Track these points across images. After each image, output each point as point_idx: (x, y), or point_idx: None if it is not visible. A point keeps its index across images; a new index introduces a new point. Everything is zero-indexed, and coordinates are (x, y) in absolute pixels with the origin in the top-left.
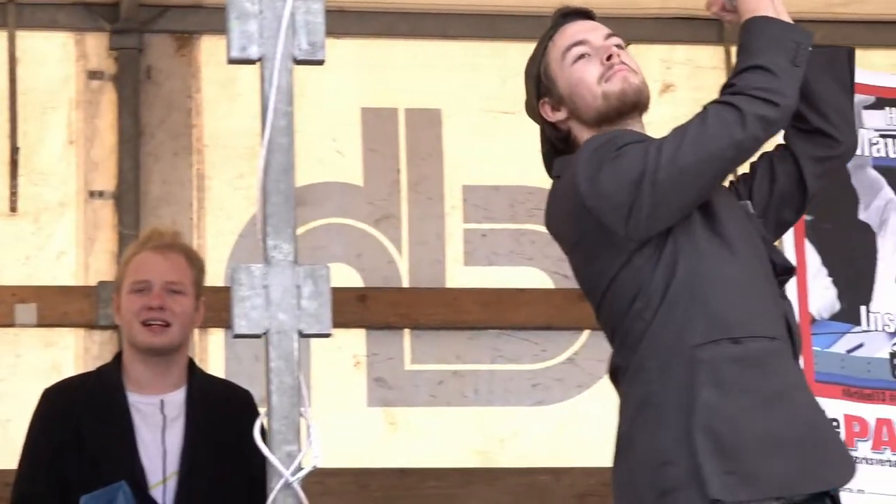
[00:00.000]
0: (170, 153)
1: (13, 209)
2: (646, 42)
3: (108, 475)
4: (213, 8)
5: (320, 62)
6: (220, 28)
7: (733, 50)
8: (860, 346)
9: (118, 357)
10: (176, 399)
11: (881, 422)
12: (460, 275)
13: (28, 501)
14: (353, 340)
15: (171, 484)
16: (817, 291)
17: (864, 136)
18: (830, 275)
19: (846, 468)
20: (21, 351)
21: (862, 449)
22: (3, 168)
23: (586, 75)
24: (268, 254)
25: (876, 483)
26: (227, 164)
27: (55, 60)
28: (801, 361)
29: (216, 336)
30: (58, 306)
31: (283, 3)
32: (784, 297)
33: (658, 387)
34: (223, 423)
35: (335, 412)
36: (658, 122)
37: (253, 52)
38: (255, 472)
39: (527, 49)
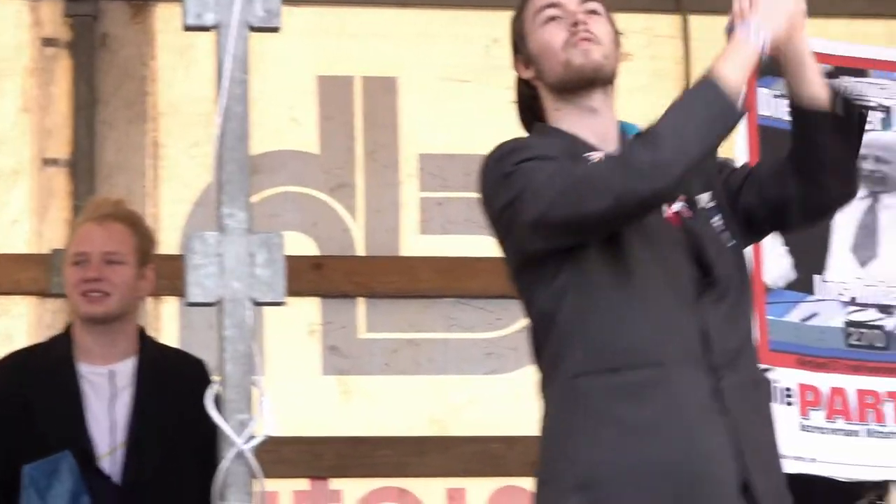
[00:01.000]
0: (125, 121)
1: None
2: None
3: (57, 446)
4: None
5: (276, 29)
6: None
7: (691, 18)
8: (814, 315)
9: (69, 328)
10: (125, 369)
11: (835, 391)
12: (416, 243)
13: None
14: (308, 309)
15: (119, 455)
16: (772, 260)
17: None
18: (786, 244)
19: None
20: None
21: (815, 418)
22: None
23: (553, 39)
24: (222, 222)
25: (829, 452)
26: (182, 132)
27: (9, 27)
28: (756, 332)
29: (170, 304)
30: (11, 274)
31: None
32: (717, 304)
33: (546, 409)
34: (174, 392)
35: (289, 381)
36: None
37: (208, 18)
38: (208, 441)
39: (483, 17)
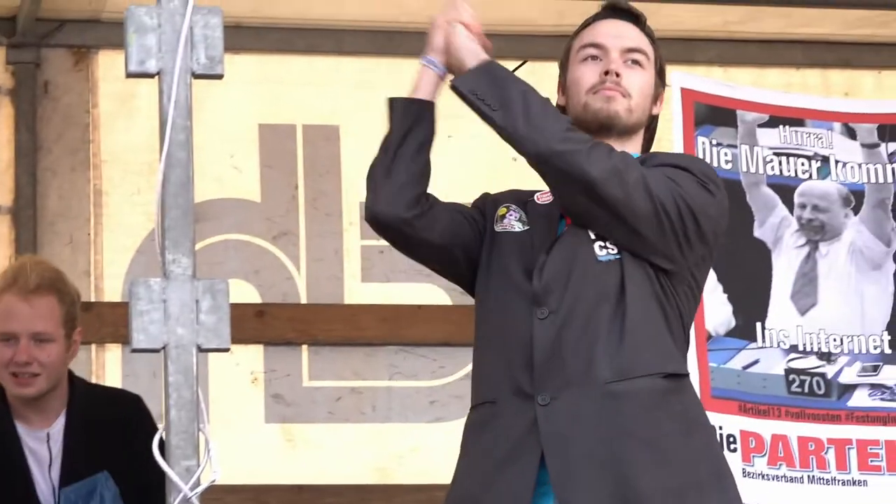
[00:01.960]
0: (67, 168)
1: None
2: (542, 59)
3: None
4: (111, 23)
5: (219, 76)
6: (119, 42)
7: None
8: (756, 362)
9: (2, 389)
10: (58, 429)
11: (776, 437)
12: (358, 291)
13: None
14: (252, 356)
15: None
16: (713, 307)
17: (758, 154)
18: (726, 291)
19: None
20: None
21: (758, 464)
22: None
23: (583, 79)
24: (166, 268)
25: (771, 499)
26: (124, 180)
27: None
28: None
29: (113, 352)
30: None
31: (181, 18)
32: (550, 320)
33: None
34: (108, 439)
35: (233, 428)
36: None
37: (151, 65)
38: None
39: None
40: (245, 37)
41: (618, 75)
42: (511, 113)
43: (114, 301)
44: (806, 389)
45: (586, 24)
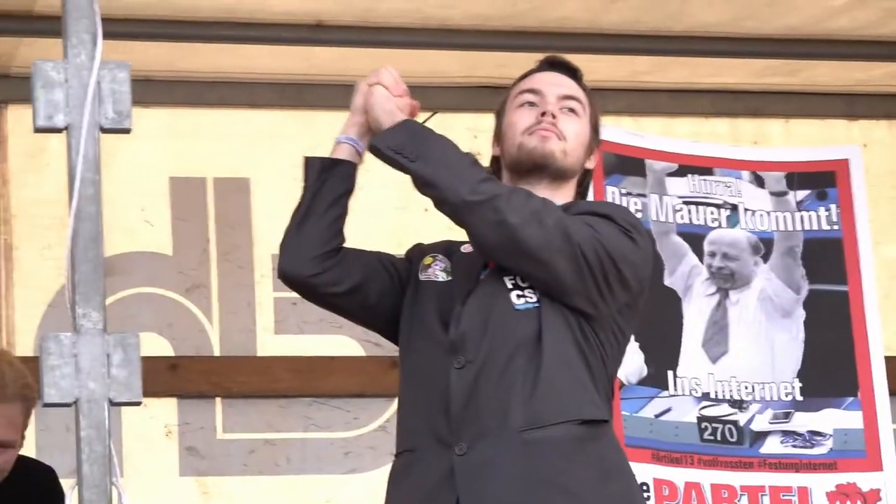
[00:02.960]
0: None
1: None
2: (452, 110)
3: None
4: (19, 78)
5: (127, 131)
6: (26, 97)
7: None
8: (668, 410)
9: None
10: None
11: (689, 485)
12: (271, 343)
13: None
14: (165, 409)
15: None
16: (625, 357)
17: (668, 203)
18: (638, 339)
19: None
20: None
21: None
22: None
23: (519, 122)
24: (77, 322)
25: None
26: (34, 235)
27: None
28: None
29: None
30: None
31: (88, 72)
32: (465, 369)
33: None
34: None
35: (148, 482)
36: None
37: (59, 120)
38: None
39: (333, 117)
40: (155, 90)
41: (554, 116)
42: (430, 163)
43: (26, 355)
44: (718, 437)
45: (524, 75)
